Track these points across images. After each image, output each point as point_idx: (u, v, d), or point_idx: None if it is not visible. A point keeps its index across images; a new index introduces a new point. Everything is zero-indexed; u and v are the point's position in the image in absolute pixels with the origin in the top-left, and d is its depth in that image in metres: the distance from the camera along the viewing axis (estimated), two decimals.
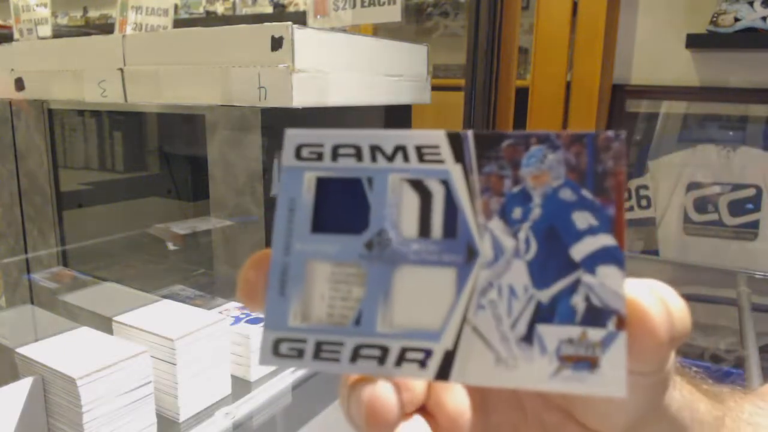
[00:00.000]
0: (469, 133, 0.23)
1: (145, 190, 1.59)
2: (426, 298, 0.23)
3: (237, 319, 0.83)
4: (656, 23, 1.69)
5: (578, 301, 0.21)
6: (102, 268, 1.39)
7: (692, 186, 1.65)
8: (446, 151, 0.24)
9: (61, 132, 1.58)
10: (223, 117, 1.21)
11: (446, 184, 0.23)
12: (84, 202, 1.66)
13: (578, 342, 0.21)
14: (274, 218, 0.24)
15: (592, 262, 0.22)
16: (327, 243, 0.24)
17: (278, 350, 0.23)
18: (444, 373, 0.22)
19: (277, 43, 1.03)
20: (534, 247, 0.22)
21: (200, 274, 1.28)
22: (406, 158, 0.24)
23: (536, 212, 0.22)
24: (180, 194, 1.48)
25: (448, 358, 0.22)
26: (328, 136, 0.25)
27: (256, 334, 0.79)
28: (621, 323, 0.21)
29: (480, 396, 0.28)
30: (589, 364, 0.21)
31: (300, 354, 0.23)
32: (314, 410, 0.80)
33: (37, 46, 1.36)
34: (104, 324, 0.74)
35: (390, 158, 0.24)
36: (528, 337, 0.22)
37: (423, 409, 0.25)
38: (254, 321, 0.83)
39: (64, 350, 0.65)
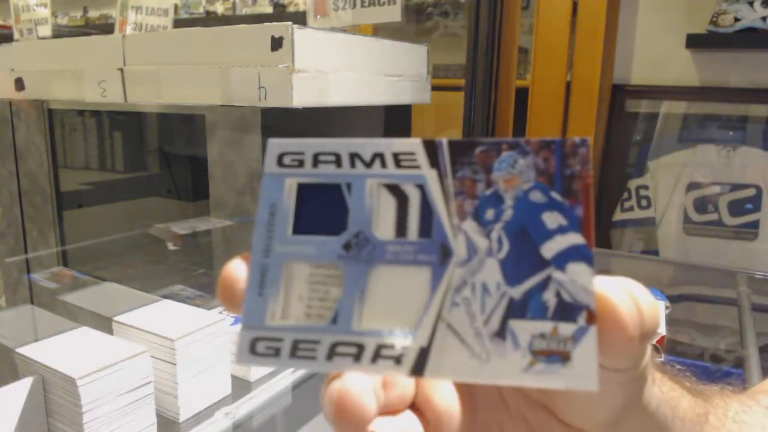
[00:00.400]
0: (444, 140, 0.24)
1: (145, 190, 1.59)
2: (401, 297, 0.24)
3: (237, 320, 0.83)
4: (656, 23, 1.69)
5: (549, 297, 0.22)
6: (102, 268, 1.39)
7: (692, 186, 1.65)
8: (422, 158, 0.24)
9: (61, 132, 1.58)
10: (223, 117, 1.21)
11: (422, 188, 0.24)
12: (84, 202, 1.66)
13: (550, 336, 0.22)
14: (255, 222, 0.25)
15: (563, 259, 0.22)
16: (306, 245, 0.25)
17: (255, 349, 0.24)
18: (419, 369, 0.22)
19: (277, 43, 1.03)
20: (506, 246, 0.23)
21: (200, 274, 1.28)
22: (383, 164, 0.25)
23: (508, 213, 0.23)
24: (180, 194, 1.48)
25: (423, 355, 0.23)
26: (309, 145, 0.26)
27: None
28: (591, 318, 0.22)
29: (467, 394, 0.29)
30: (561, 358, 0.22)
31: (277, 352, 0.24)
32: (314, 410, 0.80)
33: (37, 46, 1.36)
34: (104, 324, 0.74)
35: (368, 164, 0.25)
36: (501, 333, 0.22)
37: (412, 406, 0.26)
38: None
39: (64, 350, 0.65)
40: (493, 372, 0.22)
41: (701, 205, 1.63)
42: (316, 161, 0.26)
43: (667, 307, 0.88)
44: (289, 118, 1.11)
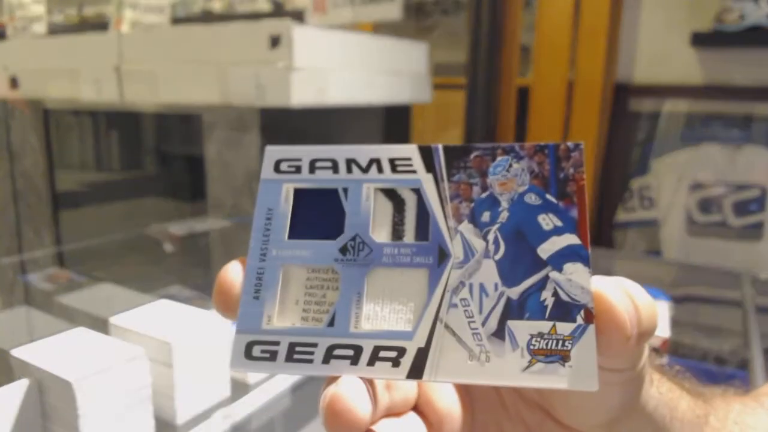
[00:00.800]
0: (439, 145, 0.25)
1: (141, 191, 1.58)
2: (399, 299, 0.24)
3: None
4: (659, 21, 1.69)
5: (547, 297, 0.23)
6: (98, 268, 1.38)
7: (696, 186, 1.64)
8: (418, 163, 0.25)
9: (57, 132, 1.57)
10: (220, 116, 1.20)
11: (418, 192, 0.25)
12: (80, 203, 1.65)
13: (548, 336, 0.22)
14: (252, 227, 0.26)
15: (559, 259, 0.23)
16: (303, 248, 0.25)
17: (251, 353, 0.24)
18: (417, 371, 0.23)
19: (275, 41, 1.02)
20: (503, 247, 0.24)
21: (198, 275, 1.27)
22: (380, 170, 0.25)
23: (504, 215, 0.24)
24: (177, 194, 1.47)
25: (421, 356, 0.23)
26: (307, 152, 0.27)
27: None
28: (589, 316, 0.22)
29: (466, 395, 0.29)
30: (561, 357, 0.22)
31: (273, 356, 0.24)
32: (313, 413, 0.79)
33: (32, 44, 1.35)
34: (101, 326, 0.73)
35: (365, 170, 0.26)
36: (499, 333, 0.23)
37: (415, 408, 0.26)
38: None
39: (59, 352, 0.64)
40: (492, 373, 0.22)
41: (705, 206, 1.63)
42: (313, 167, 0.26)
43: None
44: (289, 118, 1.10)
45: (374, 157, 0.26)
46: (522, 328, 0.23)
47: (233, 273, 0.25)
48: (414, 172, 0.25)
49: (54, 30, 1.32)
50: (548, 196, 0.24)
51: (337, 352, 0.23)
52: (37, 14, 1.33)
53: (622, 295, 0.23)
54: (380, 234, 0.25)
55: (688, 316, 1.13)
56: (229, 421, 0.74)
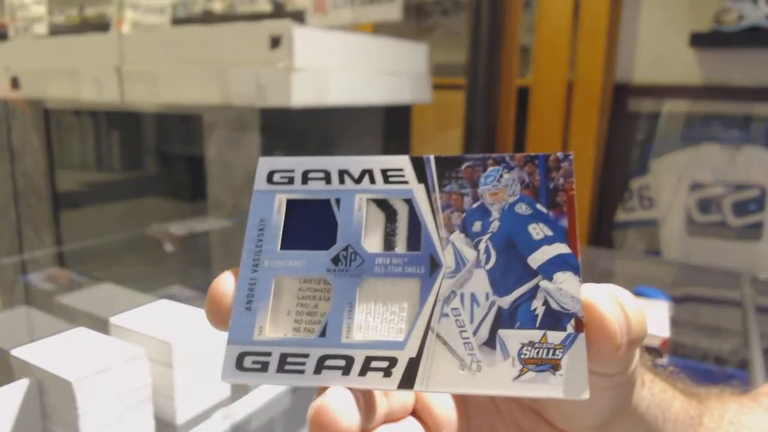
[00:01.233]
0: (431, 156, 0.25)
1: (142, 191, 1.58)
2: (391, 309, 0.24)
3: None
4: (659, 21, 1.69)
5: (537, 306, 0.23)
6: (98, 268, 1.38)
7: (695, 186, 1.64)
8: (410, 173, 0.25)
9: (58, 132, 1.57)
10: (221, 116, 1.20)
11: (410, 202, 0.25)
12: (80, 203, 1.65)
13: (539, 344, 0.22)
14: (244, 238, 0.26)
15: (549, 268, 0.23)
16: (295, 259, 0.25)
17: (242, 364, 0.24)
18: (409, 381, 0.23)
19: (275, 42, 1.02)
20: (494, 256, 0.24)
21: (198, 275, 1.27)
22: (372, 180, 0.26)
23: (495, 225, 0.24)
24: (177, 194, 1.47)
25: (413, 366, 0.23)
26: (299, 163, 0.27)
27: None
28: (579, 325, 0.22)
29: (461, 400, 0.29)
30: (551, 366, 0.22)
31: (264, 367, 0.24)
32: None
33: (33, 44, 1.35)
34: (101, 326, 0.73)
35: (357, 180, 0.26)
36: (490, 342, 0.23)
37: (413, 413, 0.27)
38: None
39: (60, 352, 0.64)
40: (483, 382, 0.22)
41: (705, 206, 1.63)
42: (305, 178, 0.26)
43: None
44: (289, 118, 1.10)
45: (366, 168, 0.26)
46: (513, 338, 0.23)
47: (225, 284, 0.25)
48: (406, 182, 0.25)
49: (55, 30, 1.32)
50: (538, 206, 0.24)
51: (328, 362, 0.23)
52: (38, 15, 1.33)
53: (612, 303, 0.23)
54: (372, 244, 0.25)
55: (688, 316, 1.13)
56: (229, 421, 0.74)
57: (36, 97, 1.37)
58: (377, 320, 0.24)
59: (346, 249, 0.25)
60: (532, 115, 1.75)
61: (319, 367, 0.23)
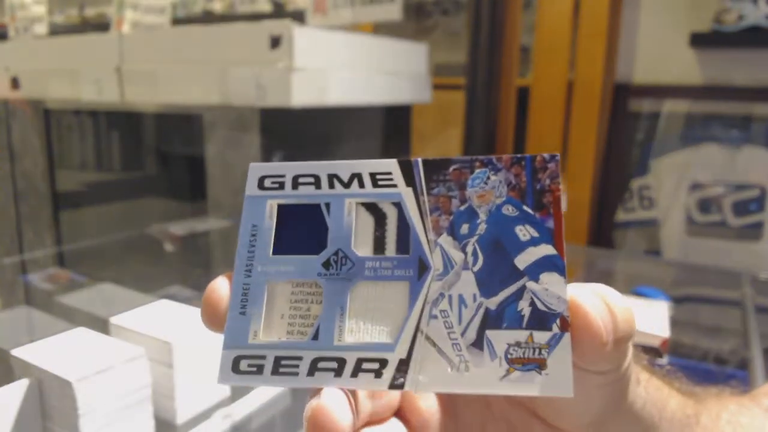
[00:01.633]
0: (419, 159, 0.26)
1: (142, 191, 1.58)
2: (381, 311, 0.25)
3: None
4: (659, 21, 1.69)
5: (524, 307, 0.23)
6: (98, 269, 1.38)
7: (695, 186, 1.64)
8: (398, 177, 0.26)
9: (58, 132, 1.57)
10: (221, 116, 1.20)
11: (399, 205, 0.26)
12: (80, 203, 1.65)
13: (525, 345, 0.23)
14: (237, 244, 0.26)
15: (536, 270, 0.24)
16: (287, 264, 0.26)
17: (238, 367, 0.25)
18: (399, 381, 0.23)
19: (275, 42, 1.02)
20: (481, 259, 0.24)
21: (198, 275, 1.27)
22: (361, 184, 0.26)
23: (482, 227, 0.25)
24: (177, 194, 1.47)
25: (403, 367, 0.24)
26: (290, 168, 0.27)
27: None
28: (564, 325, 0.23)
29: (449, 396, 0.29)
30: (537, 365, 0.23)
31: (260, 370, 0.24)
32: None
33: (33, 44, 1.35)
34: (101, 326, 0.73)
35: (346, 185, 0.26)
36: (478, 343, 0.23)
37: (397, 413, 0.27)
38: None
39: (60, 352, 0.64)
40: (471, 382, 0.23)
41: (705, 206, 1.63)
42: (296, 183, 0.27)
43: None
44: (289, 118, 1.10)
45: (355, 172, 0.26)
46: (500, 338, 0.23)
47: (220, 289, 0.26)
48: (395, 186, 0.26)
49: (55, 30, 1.32)
50: (525, 208, 0.24)
51: (321, 364, 0.24)
52: (38, 15, 1.33)
53: (597, 302, 0.24)
54: (362, 248, 0.25)
55: (688, 316, 1.13)
56: (229, 421, 0.74)
57: (36, 97, 1.37)
58: (368, 323, 0.24)
59: (336, 253, 0.25)
60: (532, 115, 1.75)
61: (313, 369, 0.24)
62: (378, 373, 0.23)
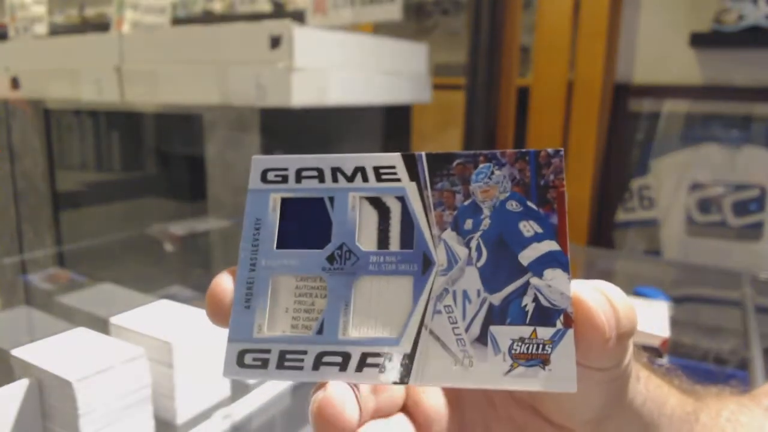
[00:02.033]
0: (423, 153, 0.26)
1: (142, 191, 1.58)
2: (385, 306, 0.25)
3: None
4: (659, 21, 1.69)
5: (528, 302, 0.23)
6: (98, 268, 1.38)
7: (695, 186, 1.64)
8: (402, 171, 0.26)
9: (58, 132, 1.57)
10: (221, 116, 1.20)
11: (402, 200, 0.26)
12: (80, 203, 1.65)
13: (529, 340, 0.23)
14: (241, 237, 0.26)
15: (539, 266, 0.24)
16: (291, 258, 0.26)
17: (243, 361, 0.25)
18: (403, 376, 0.24)
19: (275, 42, 1.02)
20: (485, 254, 0.24)
21: (198, 275, 1.27)
22: (365, 178, 0.26)
23: (486, 223, 0.25)
24: (177, 194, 1.47)
25: (407, 362, 0.24)
26: (293, 161, 0.27)
27: None
28: (568, 321, 0.23)
29: (454, 394, 0.29)
30: (541, 361, 0.23)
31: (264, 364, 0.24)
32: None
33: (33, 44, 1.35)
34: (101, 326, 0.73)
35: (350, 179, 0.26)
36: (482, 338, 0.23)
37: (403, 409, 0.27)
38: None
39: (60, 352, 0.64)
40: (475, 377, 0.23)
41: (705, 206, 1.63)
42: (299, 177, 0.27)
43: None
44: (289, 118, 1.10)
45: (359, 166, 0.26)
46: (504, 333, 0.23)
47: (224, 283, 0.26)
48: (398, 180, 0.26)
49: (55, 30, 1.32)
50: (529, 203, 0.24)
51: (326, 359, 0.24)
52: (38, 15, 1.33)
53: (600, 298, 0.24)
54: (366, 242, 0.25)
55: (688, 316, 1.13)
56: (229, 421, 0.74)
57: (36, 97, 1.37)
58: (372, 317, 0.24)
59: (340, 247, 0.25)
60: (532, 115, 1.75)
61: (317, 363, 0.24)
62: (382, 368, 0.24)
